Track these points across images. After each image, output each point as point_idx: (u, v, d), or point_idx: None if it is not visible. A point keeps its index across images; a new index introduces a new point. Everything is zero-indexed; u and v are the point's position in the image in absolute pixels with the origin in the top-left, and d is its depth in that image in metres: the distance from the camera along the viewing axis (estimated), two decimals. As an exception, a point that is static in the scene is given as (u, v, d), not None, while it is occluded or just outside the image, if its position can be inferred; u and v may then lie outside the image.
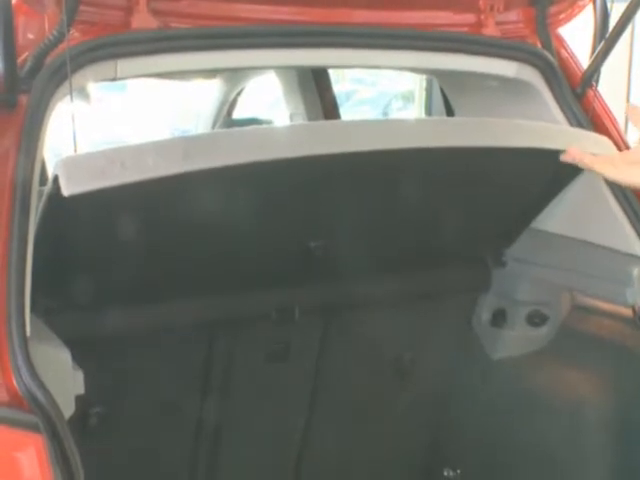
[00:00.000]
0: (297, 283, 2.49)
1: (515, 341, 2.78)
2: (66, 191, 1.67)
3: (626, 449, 2.48)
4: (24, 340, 1.66)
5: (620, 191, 2.38)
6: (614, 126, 2.43)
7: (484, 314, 2.83)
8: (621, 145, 2.38)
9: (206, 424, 2.52)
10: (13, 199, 1.76)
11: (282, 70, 3.87)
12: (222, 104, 4.44)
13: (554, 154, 2.09)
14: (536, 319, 2.72)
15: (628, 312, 2.40)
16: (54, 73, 1.86)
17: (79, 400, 1.84)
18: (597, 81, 2.44)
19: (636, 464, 2.45)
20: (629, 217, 2.37)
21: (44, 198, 1.82)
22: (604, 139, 2.23)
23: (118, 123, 7.99)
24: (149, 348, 2.35)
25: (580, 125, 2.41)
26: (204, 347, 2.45)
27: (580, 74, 2.47)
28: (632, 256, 2.35)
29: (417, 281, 2.69)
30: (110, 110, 7.84)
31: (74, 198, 1.67)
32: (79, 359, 1.89)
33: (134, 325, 2.29)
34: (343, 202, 2.26)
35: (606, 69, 2.42)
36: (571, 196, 2.51)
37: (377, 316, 2.69)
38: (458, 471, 2.92)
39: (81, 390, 1.84)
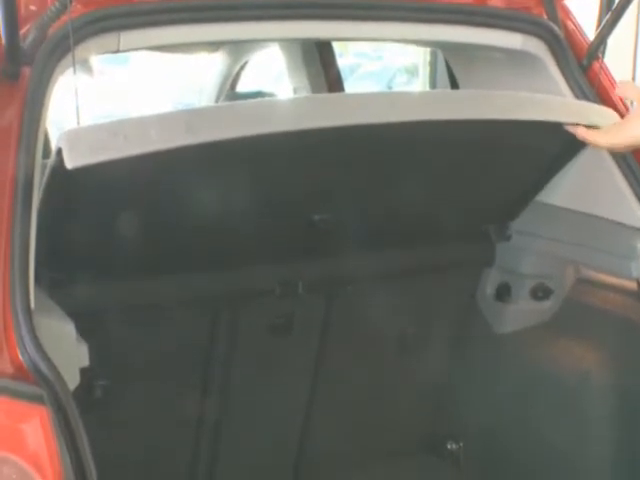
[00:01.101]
0: (301, 257, 2.48)
1: (519, 315, 2.78)
2: (69, 164, 1.66)
3: (629, 422, 2.48)
4: (28, 313, 1.66)
5: (626, 164, 2.37)
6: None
7: (488, 288, 2.83)
8: None
9: (210, 397, 2.53)
10: (16, 172, 1.76)
11: (286, 43, 3.85)
12: (225, 77, 4.42)
13: (559, 127, 2.08)
14: (540, 293, 2.72)
15: (632, 285, 2.40)
16: (57, 45, 1.85)
17: (83, 372, 1.84)
18: (603, 53, 2.42)
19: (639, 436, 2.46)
20: (634, 190, 2.35)
21: (47, 171, 1.81)
22: (609, 111, 2.22)
23: (121, 96, 7.96)
24: (153, 322, 2.36)
25: (586, 97, 2.39)
26: (208, 320, 2.45)
27: (586, 46, 2.45)
28: (637, 229, 2.34)
29: (421, 256, 2.68)
30: (113, 83, 7.82)
31: (77, 171, 1.67)
32: (83, 332, 1.89)
33: (138, 299, 2.29)
34: (347, 176, 2.25)
35: (612, 41, 2.40)
36: (576, 169, 2.50)
37: (381, 291, 2.69)
38: (461, 444, 2.93)
39: (86, 362, 1.84)
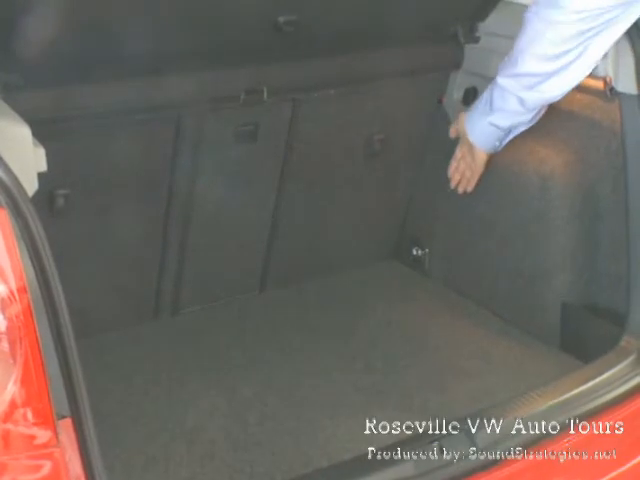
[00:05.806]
0: (266, 62, 2.42)
1: None
2: None
3: (591, 219, 2.51)
4: None
5: None
6: None
7: (455, 92, 2.80)
8: None
9: (175, 205, 2.50)
10: None
11: None
12: None
13: None
14: None
15: (599, 84, 2.37)
16: None
17: (44, 181, 1.80)
18: None
19: (600, 233, 2.50)
20: None
21: None
22: None
23: None
24: (115, 129, 2.30)
25: None
26: (171, 128, 2.40)
27: None
28: None
29: (388, 59, 2.63)
30: None
31: None
32: (42, 140, 1.83)
33: (99, 105, 2.22)
34: None
35: None
36: None
37: (347, 97, 2.65)
38: (427, 250, 2.97)
39: (43, 167, 1.79)
